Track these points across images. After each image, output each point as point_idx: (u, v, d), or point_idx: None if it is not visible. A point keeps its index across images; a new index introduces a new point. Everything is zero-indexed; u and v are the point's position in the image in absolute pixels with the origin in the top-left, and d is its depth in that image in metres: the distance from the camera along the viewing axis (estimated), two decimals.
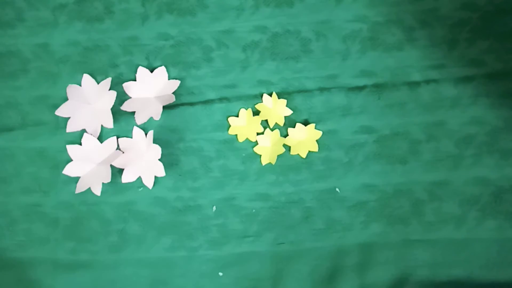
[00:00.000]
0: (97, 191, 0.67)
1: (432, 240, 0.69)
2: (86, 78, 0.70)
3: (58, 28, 0.72)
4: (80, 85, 0.70)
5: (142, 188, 0.69)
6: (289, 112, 0.70)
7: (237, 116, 0.70)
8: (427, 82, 0.70)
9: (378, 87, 0.70)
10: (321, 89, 0.70)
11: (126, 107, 0.69)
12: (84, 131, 0.69)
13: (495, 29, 0.71)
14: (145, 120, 0.68)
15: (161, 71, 0.70)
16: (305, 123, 0.69)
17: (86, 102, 0.69)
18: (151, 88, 0.69)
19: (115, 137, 0.69)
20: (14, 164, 0.70)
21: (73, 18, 0.72)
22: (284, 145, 0.70)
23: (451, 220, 0.69)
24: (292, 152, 0.69)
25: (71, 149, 0.68)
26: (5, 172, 0.70)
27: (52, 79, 0.71)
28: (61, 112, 0.69)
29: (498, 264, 0.68)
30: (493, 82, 0.70)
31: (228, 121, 0.70)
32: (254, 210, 0.69)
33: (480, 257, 0.68)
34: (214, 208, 0.68)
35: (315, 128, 0.69)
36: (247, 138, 0.69)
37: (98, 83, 0.70)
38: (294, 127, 0.69)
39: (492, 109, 0.70)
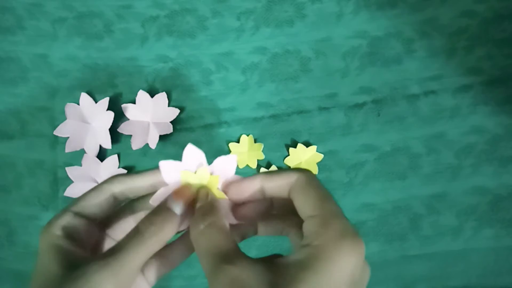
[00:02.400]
0: None
1: (429, 254, 0.69)
2: (84, 97, 0.70)
3: (58, 41, 0.71)
4: (78, 103, 0.70)
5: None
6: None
7: (238, 141, 0.70)
8: (426, 94, 0.70)
9: (378, 103, 0.70)
10: (321, 109, 0.70)
11: (123, 129, 0.69)
12: (83, 150, 0.69)
13: (493, 35, 0.71)
14: (141, 146, 0.68)
15: (162, 97, 0.69)
16: (306, 144, 0.69)
17: (85, 122, 0.69)
18: (149, 113, 0.69)
19: (116, 156, 0.69)
20: (14, 173, 0.70)
21: (72, 33, 0.71)
22: (285, 165, 0.70)
23: (448, 232, 0.69)
24: None
25: (71, 171, 0.69)
26: (5, 180, 0.71)
27: (52, 92, 0.71)
28: (59, 132, 0.69)
29: (495, 272, 0.69)
30: (492, 89, 0.70)
31: (228, 146, 0.70)
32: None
33: (477, 267, 0.69)
34: None
35: (316, 150, 0.69)
36: (247, 165, 0.69)
37: (96, 102, 0.70)
38: (295, 147, 0.69)
39: (491, 116, 0.70)
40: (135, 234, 0.38)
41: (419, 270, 0.69)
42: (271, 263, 0.35)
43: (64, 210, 0.41)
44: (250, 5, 0.71)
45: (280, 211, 0.42)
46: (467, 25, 0.70)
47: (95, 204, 0.41)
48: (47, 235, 0.40)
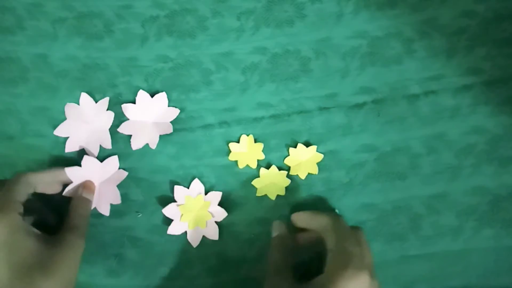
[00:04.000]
0: (105, 211, 0.68)
1: (429, 253, 0.69)
2: (84, 97, 0.69)
3: (58, 41, 0.71)
4: (78, 103, 0.70)
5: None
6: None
7: (238, 141, 0.69)
8: (426, 94, 0.70)
9: (378, 103, 0.70)
10: (321, 109, 0.70)
11: (123, 129, 0.69)
12: (83, 150, 0.69)
13: (493, 35, 0.71)
14: (141, 146, 0.68)
15: (162, 97, 0.69)
16: (306, 144, 0.69)
17: (84, 122, 0.69)
18: (149, 113, 0.69)
19: (116, 156, 0.69)
20: (14, 173, 0.68)
21: (72, 33, 0.71)
22: (285, 165, 0.70)
23: (448, 232, 0.69)
24: (292, 173, 0.69)
25: (70, 171, 0.66)
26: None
27: (51, 92, 0.71)
28: (59, 132, 0.69)
29: (495, 272, 0.69)
30: (492, 89, 0.70)
31: (228, 147, 0.69)
32: (253, 235, 0.69)
33: (477, 267, 0.69)
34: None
35: (316, 150, 0.69)
36: (247, 165, 0.69)
37: (96, 102, 0.70)
38: (295, 147, 0.69)
39: (491, 116, 0.70)
40: (80, 218, 0.62)
41: (419, 270, 0.69)
42: (302, 282, 0.54)
43: (8, 199, 0.54)
44: (250, 5, 0.71)
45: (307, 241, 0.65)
46: (467, 25, 0.70)
47: (23, 193, 0.56)
48: (10, 222, 0.52)
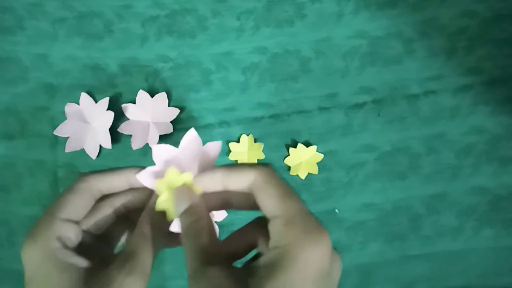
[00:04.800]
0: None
1: (429, 253, 0.69)
2: (84, 97, 0.69)
3: (58, 41, 0.71)
4: (78, 103, 0.70)
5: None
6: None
7: (238, 141, 0.69)
8: (426, 94, 0.70)
9: (378, 103, 0.70)
10: (321, 109, 0.70)
11: (123, 129, 0.69)
12: (83, 150, 0.69)
13: (493, 35, 0.71)
14: (141, 146, 0.68)
15: (162, 97, 0.69)
16: (306, 144, 0.69)
17: (85, 121, 0.69)
18: (149, 113, 0.69)
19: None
20: (14, 173, 0.70)
21: (72, 33, 0.71)
22: (285, 165, 0.70)
23: (448, 232, 0.69)
24: (292, 173, 0.69)
25: (143, 176, 0.44)
26: (5, 180, 0.70)
27: (51, 92, 0.71)
28: (59, 132, 0.68)
29: (495, 272, 0.69)
30: (492, 89, 0.70)
31: (228, 146, 0.69)
32: None
33: (477, 267, 0.69)
34: None
35: (316, 150, 0.69)
36: None
37: (96, 102, 0.70)
38: (295, 147, 0.69)
39: (491, 117, 0.70)
40: (145, 239, 0.39)
41: (419, 270, 0.69)
42: (247, 267, 0.36)
43: (50, 218, 0.38)
44: (250, 5, 0.71)
45: (241, 204, 0.41)
46: (467, 25, 0.70)
47: (78, 206, 0.40)
48: (42, 249, 0.37)
